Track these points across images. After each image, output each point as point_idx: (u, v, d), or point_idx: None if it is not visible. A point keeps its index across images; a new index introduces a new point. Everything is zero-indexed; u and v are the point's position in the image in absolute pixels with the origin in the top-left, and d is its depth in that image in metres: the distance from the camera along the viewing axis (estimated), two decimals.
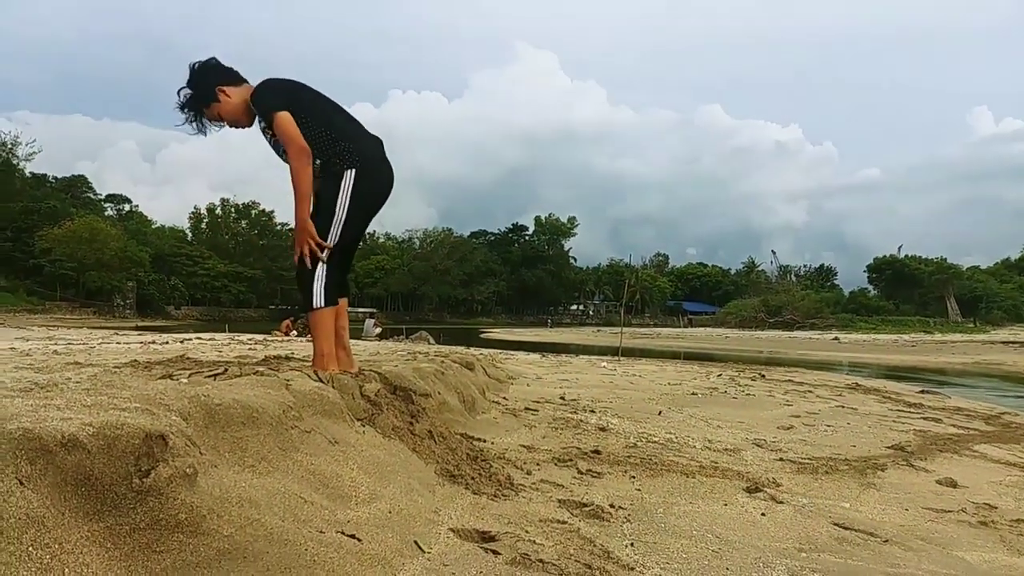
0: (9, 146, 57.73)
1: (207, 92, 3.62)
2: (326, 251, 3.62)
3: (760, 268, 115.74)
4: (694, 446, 4.83)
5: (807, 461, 4.56)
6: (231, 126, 3.70)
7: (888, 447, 5.34)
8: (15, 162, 59.76)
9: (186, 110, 3.66)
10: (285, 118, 3.49)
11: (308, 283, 3.68)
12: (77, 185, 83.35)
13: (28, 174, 69.66)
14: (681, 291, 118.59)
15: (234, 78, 3.68)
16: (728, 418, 6.46)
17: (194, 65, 3.66)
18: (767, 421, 6.45)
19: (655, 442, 4.83)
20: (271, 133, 3.62)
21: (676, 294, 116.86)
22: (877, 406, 8.37)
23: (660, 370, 12.93)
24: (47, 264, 61.44)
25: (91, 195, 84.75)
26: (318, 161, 3.62)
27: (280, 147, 3.62)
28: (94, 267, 62.23)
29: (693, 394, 8.42)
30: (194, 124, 3.69)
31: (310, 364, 3.85)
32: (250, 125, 3.71)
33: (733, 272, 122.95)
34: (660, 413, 6.44)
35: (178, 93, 3.65)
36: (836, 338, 51.21)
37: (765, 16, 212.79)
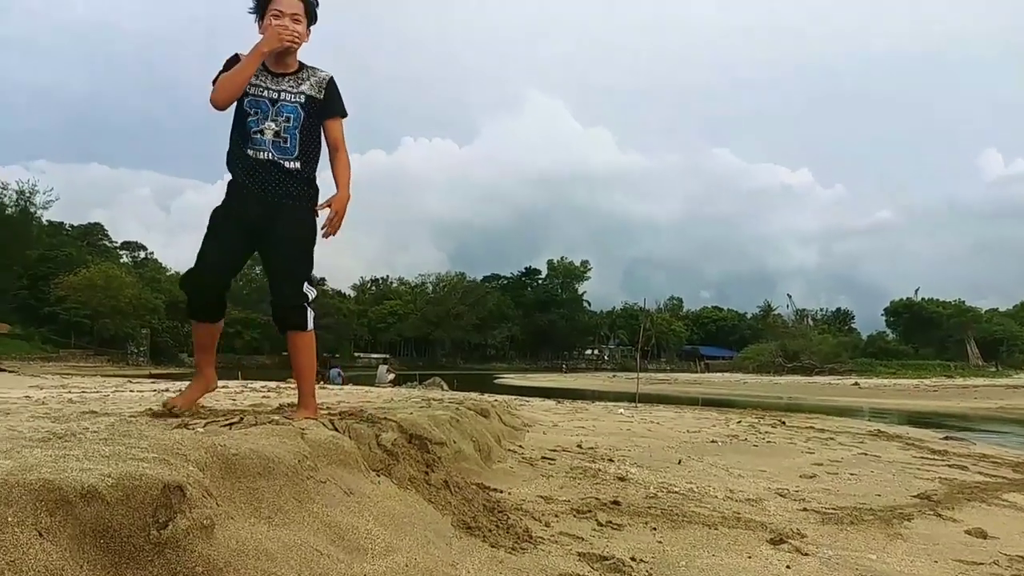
0: (27, 195, 58.86)
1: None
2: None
3: (776, 312, 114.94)
4: (716, 496, 4.75)
5: (832, 511, 4.47)
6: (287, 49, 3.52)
7: (914, 496, 5.23)
8: (32, 210, 60.88)
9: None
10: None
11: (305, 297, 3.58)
12: (93, 233, 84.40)
13: (45, 222, 70.62)
14: (697, 335, 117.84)
15: None
16: (749, 466, 6.36)
17: None
18: (789, 469, 6.34)
19: (676, 492, 4.75)
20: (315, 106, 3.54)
21: (692, 338, 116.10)
22: (900, 453, 8.22)
23: (678, 417, 12.80)
24: (62, 312, 61.89)
25: (107, 242, 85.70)
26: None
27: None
28: (109, 314, 62.64)
29: (713, 442, 8.30)
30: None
31: (325, 412, 3.83)
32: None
33: (749, 316, 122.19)
34: (680, 462, 6.35)
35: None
36: (856, 383, 50.59)
37: (771, 60, 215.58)
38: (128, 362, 62.22)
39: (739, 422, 11.70)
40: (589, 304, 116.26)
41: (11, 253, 57.52)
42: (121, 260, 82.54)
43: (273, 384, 14.61)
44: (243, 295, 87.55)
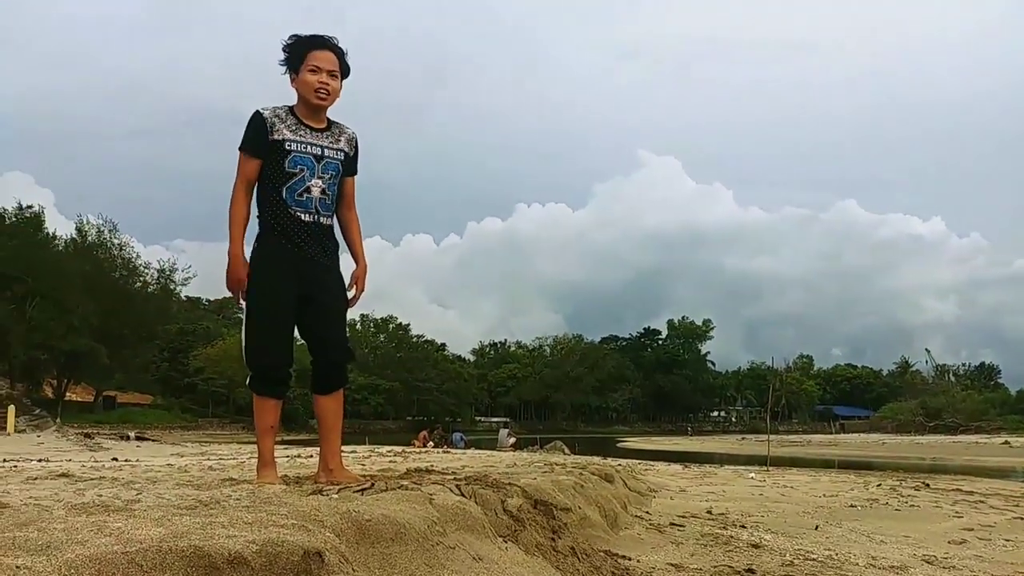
0: (168, 272, 63.12)
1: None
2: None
3: (914, 368, 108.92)
4: (857, 563, 4.49)
5: None
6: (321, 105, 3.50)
7: None
8: (172, 287, 65.09)
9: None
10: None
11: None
12: (228, 306, 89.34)
13: (184, 298, 75.21)
14: (830, 394, 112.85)
15: None
16: (892, 532, 5.97)
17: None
18: (936, 535, 5.92)
19: (813, 559, 4.51)
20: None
21: (825, 398, 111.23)
22: None
23: (813, 480, 12.20)
24: (200, 382, 65.42)
25: (240, 315, 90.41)
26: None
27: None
28: (243, 384, 65.57)
29: (851, 506, 7.87)
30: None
31: (451, 477, 3.87)
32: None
33: (885, 373, 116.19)
34: (817, 527, 6.04)
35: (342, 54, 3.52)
36: (1006, 442, 47.01)
37: (890, 110, 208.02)
38: None
39: (879, 485, 11.05)
40: (713, 364, 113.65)
41: (153, 328, 61.45)
42: None
43: (398, 448, 14.93)
44: (369, 362, 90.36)
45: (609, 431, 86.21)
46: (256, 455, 3.74)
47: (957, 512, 7.67)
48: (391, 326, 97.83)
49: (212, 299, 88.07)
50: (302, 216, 3.40)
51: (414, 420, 78.97)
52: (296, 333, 3.63)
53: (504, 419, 77.86)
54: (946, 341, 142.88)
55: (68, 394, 57.10)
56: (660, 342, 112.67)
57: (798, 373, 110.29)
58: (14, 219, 53.73)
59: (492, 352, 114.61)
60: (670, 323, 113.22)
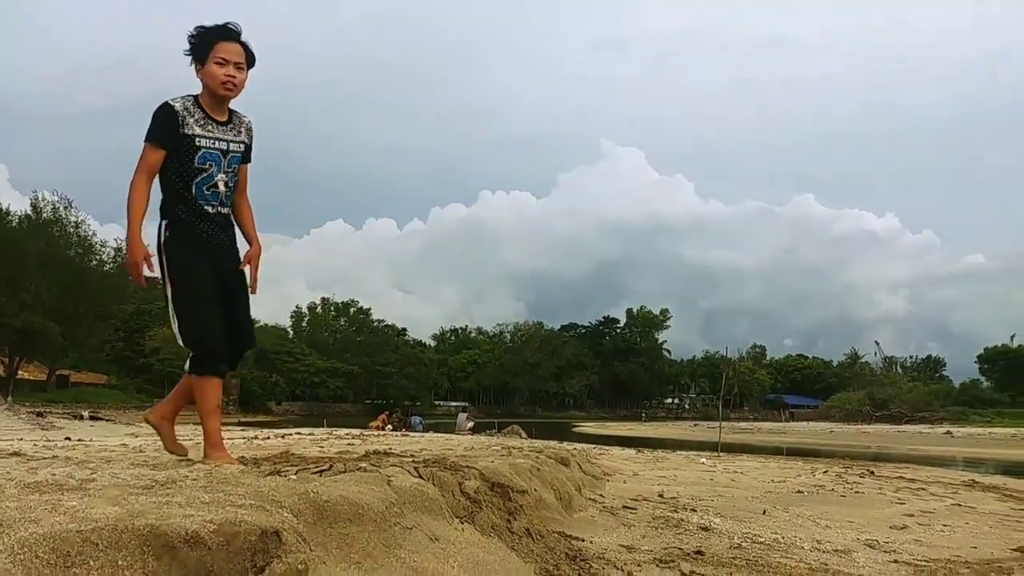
0: (123, 252, 61.77)
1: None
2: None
3: (864, 360, 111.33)
4: (802, 547, 4.62)
5: (924, 563, 4.29)
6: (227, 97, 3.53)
7: (1014, 549, 4.96)
8: None
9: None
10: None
11: None
12: None
13: None
14: (781, 384, 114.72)
15: None
16: (837, 517, 6.15)
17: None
18: (878, 520, 6.11)
19: (761, 543, 4.64)
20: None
21: (776, 387, 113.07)
22: (998, 504, 7.81)
23: (762, 467, 12.45)
24: (156, 362, 64.31)
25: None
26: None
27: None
28: None
29: (798, 492, 8.06)
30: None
31: (410, 460, 3.90)
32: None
33: (835, 364, 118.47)
34: (765, 512, 6.19)
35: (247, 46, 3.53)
36: (948, 432, 48.38)
37: (849, 107, 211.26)
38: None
39: (825, 472, 11.32)
40: (669, 353, 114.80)
41: (109, 307, 60.26)
42: None
43: (356, 431, 14.88)
44: (329, 346, 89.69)
45: (566, 416, 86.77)
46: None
47: (899, 499, 7.91)
48: (352, 310, 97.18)
49: None
50: (208, 208, 3.48)
51: (373, 404, 78.57)
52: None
53: (463, 404, 77.92)
54: (895, 334, 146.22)
55: (20, 372, 55.67)
56: (618, 330, 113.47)
57: (751, 363, 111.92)
58: None
59: (453, 338, 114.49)
60: (629, 312, 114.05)
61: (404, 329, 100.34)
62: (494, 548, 3.12)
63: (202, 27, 3.46)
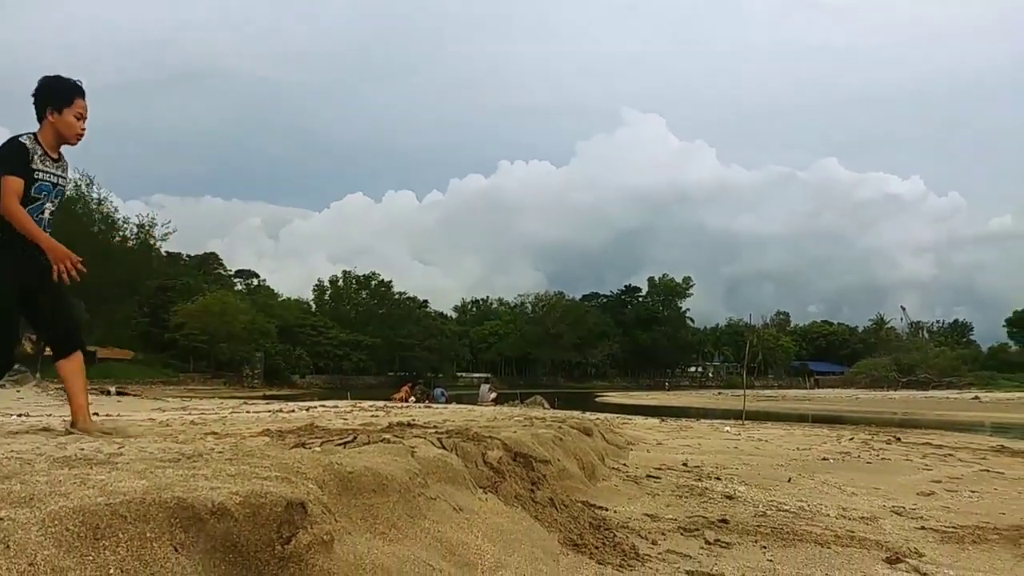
0: (147, 228, 62.36)
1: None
2: None
3: (889, 325, 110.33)
4: (828, 514, 4.61)
5: (952, 530, 4.26)
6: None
7: None
8: (152, 242, 64.33)
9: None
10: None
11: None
12: (209, 262, 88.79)
13: (164, 253, 74.47)
14: (806, 351, 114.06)
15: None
16: (863, 484, 6.12)
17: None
18: (905, 487, 6.08)
19: (786, 510, 4.63)
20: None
21: (800, 354, 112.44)
22: None
23: (787, 434, 12.43)
24: (181, 338, 65.06)
25: (222, 271, 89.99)
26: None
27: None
28: (224, 339, 65.59)
29: (824, 459, 8.04)
30: None
31: (433, 431, 3.92)
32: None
33: (860, 330, 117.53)
34: (790, 480, 6.18)
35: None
36: (976, 397, 47.91)
37: (873, 69, 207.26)
38: (243, 384, 64.88)
39: (851, 439, 11.27)
40: (692, 321, 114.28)
41: (133, 283, 60.93)
42: (236, 287, 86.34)
43: (380, 403, 15.00)
44: (351, 319, 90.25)
45: (588, 386, 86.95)
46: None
47: (926, 465, 7.85)
48: (373, 282, 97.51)
49: (192, 255, 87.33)
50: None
51: (396, 375, 79.07)
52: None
53: (485, 375, 78.25)
54: (921, 299, 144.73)
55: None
56: (640, 299, 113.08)
57: (775, 330, 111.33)
58: None
59: (474, 309, 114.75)
60: (651, 281, 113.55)
61: (425, 301, 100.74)
62: (518, 518, 3.13)
63: (63, 79, 4.02)
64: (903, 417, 28.46)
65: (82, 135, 4.04)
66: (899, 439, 11.61)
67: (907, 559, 3.45)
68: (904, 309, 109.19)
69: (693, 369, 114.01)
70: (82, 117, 4.00)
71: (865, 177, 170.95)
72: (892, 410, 35.60)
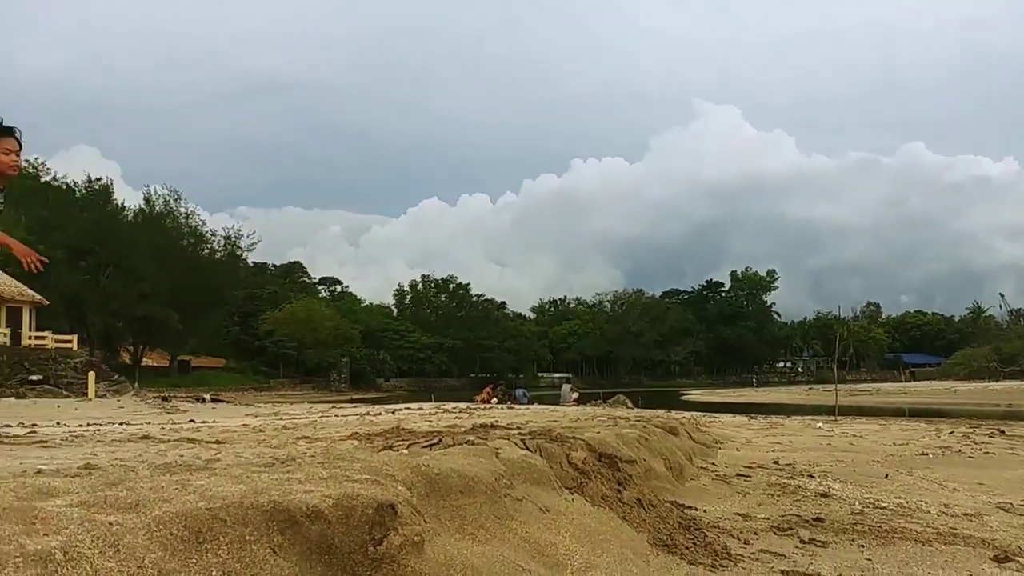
0: (233, 239, 64.53)
1: None
2: None
3: (988, 313, 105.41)
4: (928, 511, 4.43)
5: None
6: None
7: None
8: (238, 253, 66.59)
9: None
10: None
11: None
12: (294, 271, 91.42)
13: (250, 263, 76.79)
14: (899, 343, 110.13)
15: None
16: (965, 479, 5.87)
17: None
18: (1012, 482, 5.80)
19: (884, 508, 4.47)
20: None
21: (894, 346, 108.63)
22: None
23: (883, 429, 12.02)
24: (270, 345, 67.10)
25: (306, 279, 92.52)
26: None
27: None
28: (311, 345, 67.34)
29: (923, 454, 7.74)
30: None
31: (516, 432, 3.93)
32: None
33: (956, 319, 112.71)
34: (887, 476, 5.97)
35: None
36: None
37: (953, 49, 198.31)
38: (331, 388, 66.48)
39: (951, 433, 10.82)
40: (779, 315, 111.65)
41: (222, 293, 63.09)
42: (320, 294, 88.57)
43: (463, 405, 15.16)
44: (432, 322, 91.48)
45: (672, 385, 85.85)
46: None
47: None
48: (451, 286, 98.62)
49: (277, 264, 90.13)
50: None
51: (477, 377, 79.80)
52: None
53: (566, 375, 78.09)
54: (1020, 284, 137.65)
55: (144, 359, 59.14)
56: (723, 294, 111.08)
57: (866, 321, 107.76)
58: (84, 192, 55.45)
59: (552, 309, 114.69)
60: (733, 275, 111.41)
61: (503, 302, 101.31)
62: (605, 518, 3.11)
63: None
64: (1007, 409, 27.20)
65: (16, 166, 4.50)
66: (1003, 432, 11.10)
67: (1017, 557, 3.29)
68: (1003, 296, 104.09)
69: (781, 364, 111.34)
70: (10, 152, 4.46)
71: (954, 160, 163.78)
72: (994, 402, 34.06)
